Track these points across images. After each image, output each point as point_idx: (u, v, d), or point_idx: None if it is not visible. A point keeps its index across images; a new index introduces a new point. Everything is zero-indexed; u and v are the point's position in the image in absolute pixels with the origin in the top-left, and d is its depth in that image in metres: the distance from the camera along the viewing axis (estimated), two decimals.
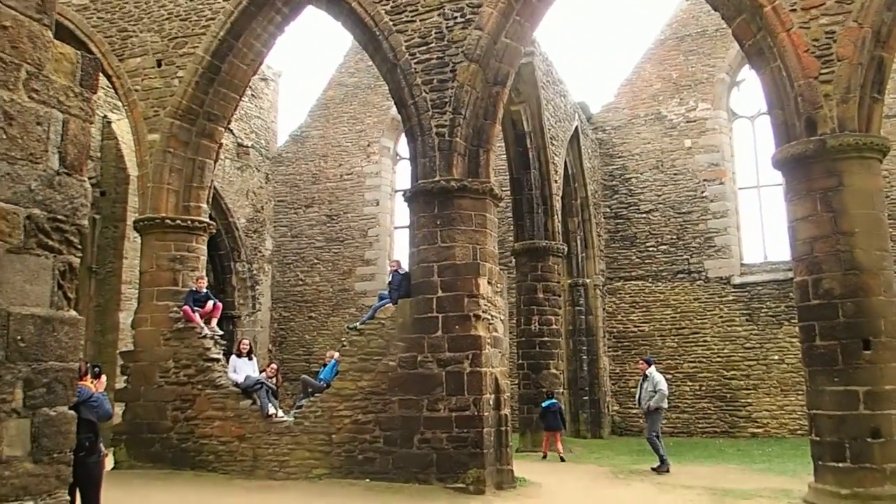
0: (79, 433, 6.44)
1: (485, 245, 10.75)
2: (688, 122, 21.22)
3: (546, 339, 15.87)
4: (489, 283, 10.74)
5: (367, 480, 10.43)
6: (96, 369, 7.28)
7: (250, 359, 12.07)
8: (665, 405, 12.94)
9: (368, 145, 24.13)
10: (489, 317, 10.63)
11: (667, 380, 20.18)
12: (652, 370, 13.14)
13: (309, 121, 25.39)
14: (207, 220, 13.42)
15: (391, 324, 10.80)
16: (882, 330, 8.65)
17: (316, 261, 24.34)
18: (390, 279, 11.49)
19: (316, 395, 11.16)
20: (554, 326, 16.03)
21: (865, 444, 8.35)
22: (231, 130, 23.37)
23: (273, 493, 10.19)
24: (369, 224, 23.66)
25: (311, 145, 25.04)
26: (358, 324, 11.45)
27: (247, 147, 24.15)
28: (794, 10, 9.22)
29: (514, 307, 16.57)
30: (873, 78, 9.22)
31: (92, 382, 6.90)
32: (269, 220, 24.80)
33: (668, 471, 12.12)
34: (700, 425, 20.10)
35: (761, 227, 21.09)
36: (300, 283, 24.42)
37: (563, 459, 13.99)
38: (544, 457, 14.48)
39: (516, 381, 16.42)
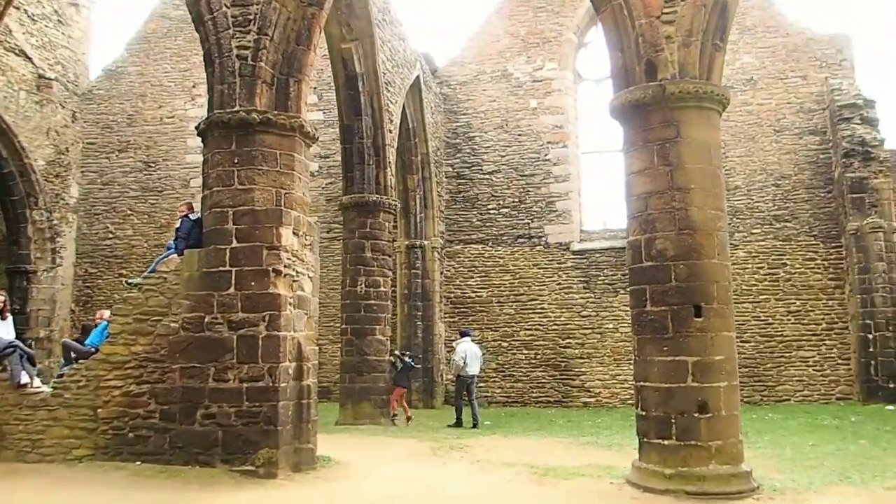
0: None
1: (291, 190, 9.24)
2: (534, 81, 20.50)
3: (373, 302, 14.60)
4: (295, 233, 9.26)
5: (138, 463, 8.77)
6: None
7: (3, 318, 9.97)
8: (461, 373, 14.97)
9: (194, 86, 21.75)
10: (293, 273, 9.18)
11: (503, 348, 19.86)
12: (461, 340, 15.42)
13: (126, 55, 22.60)
14: None
15: (175, 278, 9.10)
16: (714, 296, 8.00)
17: (129, 212, 21.83)
18: (178, 226, 9.76)
19: (81, 361, 9.31)
20: (382, 289, 14.78)
21: (693, 420, 7.67)
22: (30, 58, 20.40)
23: (15, 481, 8.32)
24: (192, 174, 21.34)
25: (128, 83, 22.32)
26: (140, 279, 9.65)
27: (50, 80, 21.08)
28: None
29: (340, 266, 15.22)
30: (717, 23, 8.48)
31: None
32: (75, 164, 21.90)
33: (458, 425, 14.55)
34: (534, 395, 19.69)
35: (601, 194, 20.91)
36: (110, 236, 21.84)
37: (409, 418, 14.99)
38: (395, 416, 15.03)
39: (339, 347, 15.14)
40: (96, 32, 28.20)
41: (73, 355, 9.79)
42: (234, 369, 8.75)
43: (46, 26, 21.09)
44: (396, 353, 15.59)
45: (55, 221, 20.99)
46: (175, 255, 9.33)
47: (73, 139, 21.81)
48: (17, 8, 19.57)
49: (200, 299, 8.95)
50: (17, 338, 10.10)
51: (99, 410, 9.00)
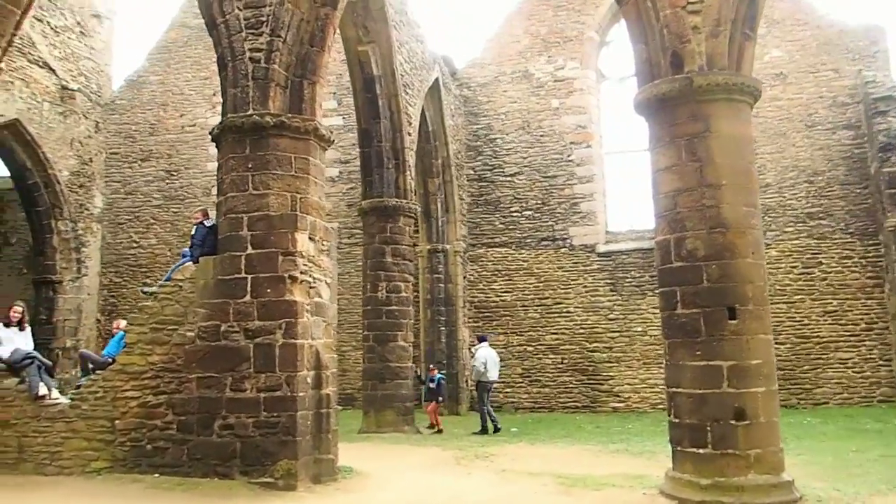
0: None
1: (307, 194, 9.02)
2: (556, 81, 20.17)
3: (394, 307, 14.34)
4: (311, 238, 9.04)
5: (157, 475, 8.59)
6: None
7: (22, 329, 9.86)
8: (481, 379, 14.98)
9: (214, 94, 21.60)
10: (310, 279, 8.95)
11: (528, 353, 19.51)
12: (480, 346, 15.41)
13: (147, 65, 22.65)
14: None
15: (190, 286, 8.91)
16: (749, 297, 7.59)
17: (152, 221, 21.84)
18: (193, 232, 9.58)
19: (98, 372, 9.16)
20: (403, 294, 14.52)
21: (729, 427, 7.27)
22: (53, 70, 20.47)
23: (36, 493, 8.19)
24: (213, 182, 21.16)
25: (150, 92, 22.35)
26: (155, 287, 9.49)
27: (73, 91, 21.15)
28: None
29: (361, 272, 14.99)
30: (746, 12, 8.11)
31: None
32: (98, 175, 21.97)
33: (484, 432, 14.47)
34: (561, 400, 19.30)
35: (627, 194, 20.55)
36: (134, 245, 21.86)
37: (440, 431, 14.73)
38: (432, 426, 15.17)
39: (361, 354, 14.92)
40: (118, 43, 28.29)
41: (90, 366, 9.65)
42: (252, 379, 8.53)
43: (69, 38, 21.17)
44: (419, 373, 15.60)
45: (80, 231, 21.07)
46: (190, 263, 9.14)
47: (96, 149, 21.87)
48: (40, 20, 19.70)
49: (216, 307, 8.75)
50: (36, 348, 10.00)
51: (116, 422, 8.83)
